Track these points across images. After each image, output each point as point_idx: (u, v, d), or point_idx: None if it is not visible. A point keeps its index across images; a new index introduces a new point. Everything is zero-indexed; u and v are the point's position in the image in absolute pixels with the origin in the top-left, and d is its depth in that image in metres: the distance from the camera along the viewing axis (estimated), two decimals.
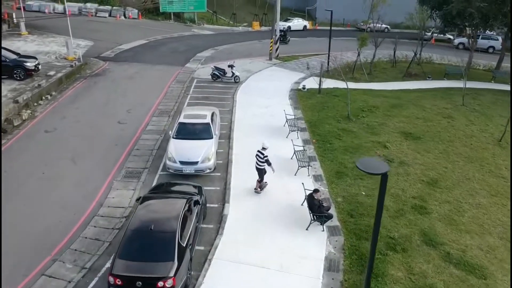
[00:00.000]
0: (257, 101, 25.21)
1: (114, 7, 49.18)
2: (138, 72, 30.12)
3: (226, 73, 28.84)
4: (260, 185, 15.68)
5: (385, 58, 38.69)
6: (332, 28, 59.74)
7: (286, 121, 21.17)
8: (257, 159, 15.45)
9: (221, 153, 18.65)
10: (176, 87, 27.38)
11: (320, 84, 27.10)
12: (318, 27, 58.12)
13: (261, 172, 15.52)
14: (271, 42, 35.21)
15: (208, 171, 16.73)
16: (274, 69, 33.12)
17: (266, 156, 15.32)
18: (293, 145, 18.29)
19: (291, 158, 18.17)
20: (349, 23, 61.36)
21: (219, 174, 17.20)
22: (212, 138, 17.54)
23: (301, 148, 18.27)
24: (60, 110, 22.76)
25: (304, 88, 27.90)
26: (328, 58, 33.03)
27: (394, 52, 35.63)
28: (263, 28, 53.18)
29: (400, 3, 61.62)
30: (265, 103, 24.61)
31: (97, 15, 47.97)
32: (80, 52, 31.94)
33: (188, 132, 17.74)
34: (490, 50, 47.94)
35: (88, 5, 48.08)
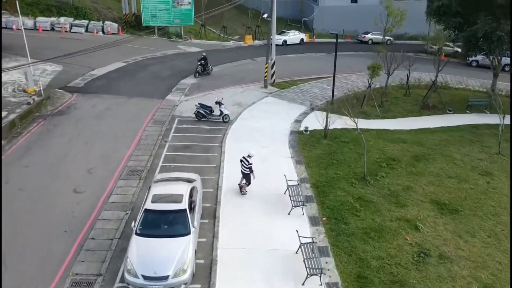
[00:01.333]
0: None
1: (92, 22, 44.33)
2: (109, 109, 25.41)
3: (213, 111, 24.21)
4: (242, 185, 16.80)
5: (395, 82, 34.19)
6: (331, 40, 56.01)
7: (288, 188, 16.56)
8: (242, 164, 16.60)
9: (202, 245, 14.00)
10: (152, 131, 22.69)
11: (326, 127, 22.48)
12: (316, 40, 53.70)
13: (248, 177, 16.63)
14: (266, 67, 30.56)
15: (182, 287, 12.06)
16: (270, 101, 28.53)
17: (251, 164, 16.37)
18: (299, 236, 13.65)
19: (296, 253, 13.59)
20: (348, 35, 56.94)
21: (197, 287, 12.53)
22: (189, 233, 12.87)
23: (309, 240, 13.62)
24: (4, 171, 17.96)
25: (306, 131, 23.34)
26: (333, 88, 28.46)
27: (408, 78, 31.10)
28: (257, 42, 48.69)
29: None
30: (260, 155, 19.96)
31: (72, 30, 43.16)
32: (45, 81, 27.21)
33: (157, 224, 13.12)
34: (507, 68, 43.64)
35: (62, 19, 43.17)
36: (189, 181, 15.27)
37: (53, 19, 43.18)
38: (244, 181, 16.75)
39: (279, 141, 22.20)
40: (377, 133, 24.05)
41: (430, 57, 49.73)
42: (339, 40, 58.35)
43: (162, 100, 27.22)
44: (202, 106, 24.11)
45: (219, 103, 24.11)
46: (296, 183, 16.95)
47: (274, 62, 31.36)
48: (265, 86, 30.88)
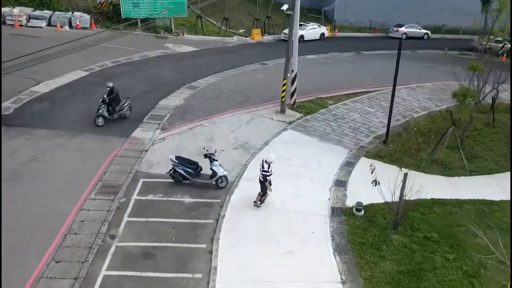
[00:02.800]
0: (264, 270, 11.00)
1: (56, 13, 34.40)
2: (37, 158, 15.88)
3: (201, 170, 14.50)
4: (261, 198, 13.52)
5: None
6: (357, 34, 45.78)
7: None
8: (260, 170, 13.25)
9: None
10: (93, 213, 13.11)
11: (398, 211, 12.68)
12: (338, 34, 43.57)
13: (263, 186, 13.33)
14: (284, 84, 20.65)
15: None
16: (291, 138, 18.76)
17: (266, 173, 13.06)
18: None
19: None
20: (377, 28, 46.71)
21: None
22: None
23: None
24: None
25: (359, 209, 13.57)
26: (390, 118, 18.58)
27: (494, 101, 21.03)
28: (266, 38, 38.71)
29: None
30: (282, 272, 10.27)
31: (30, 24, 33.26)
32: None
33: None
34: None
35: (16, 10, 33.21)
36: None
37: (5, 9, 33.16)
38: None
39: (313, 237, 12.56)
40: (478, 211, 14.26)
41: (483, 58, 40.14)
42: (365, 34, 48.87)
43: (125, 140, 17.48)
44: (181, 162, 14.37)
45: (210, 157, 14.34)
46: None
47: (295, 76, 21.41)
48: (282, 111, 21.03)
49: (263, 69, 28.49)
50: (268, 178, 13.28)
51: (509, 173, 17.23)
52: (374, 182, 12.39)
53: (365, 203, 14.05)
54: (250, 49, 34.14)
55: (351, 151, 18.06)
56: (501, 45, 40.23)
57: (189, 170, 14.27)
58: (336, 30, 44.27)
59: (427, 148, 18.56)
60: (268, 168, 13.12)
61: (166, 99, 21.77)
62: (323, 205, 14.07)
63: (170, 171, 14.50)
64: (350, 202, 14.27)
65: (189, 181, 14.44)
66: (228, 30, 38.48)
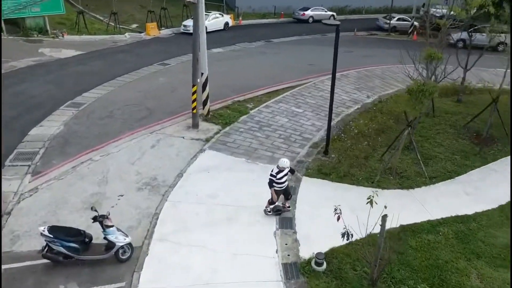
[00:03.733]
0: None
1: None
2: None
3: (90, 240, 9.84)
4: (274, 206, 11.63)
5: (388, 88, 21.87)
6: (262, 20, 42.46)
7: None
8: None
9: None
10: None
11: (376, 265, 9.20)
12: (243, 22, 39.95)
13: (285, 191, 11.61)
14: (194, 91, 16.35)
15: None
16: (212, 163, 14.65)
17: (273, 176, 11.19)
18: None
19: None
20: (282, 13, 43.85)
21: None
22: None
23: None
24: None
25: (321, 264, 10.11)
26: (329, 125, 15.17)
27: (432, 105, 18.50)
28: (164, 32, 33.83)
29: None
30: None
31: None
32: None
33: None
34: (500, 47, 33.27)
35: None
36: None
37: None
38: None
39: None
40: (458, 234, 11.42)
41: (386, 36, 38.89)
42: (270, 20, 45.28)
43: None
44: (58, 235, 9.58)
45: (101, 222, 9.73)
46: None
47: (207, 79, 17.19)
48: (195, 125, 16.78)
49: (165, 71, 23.82)
50: (276, 185, 11.27)
51: (470, 173, 14.76)
52: (345, 235, 8.71)
53: (324, 248, 10.48)
54: (147, 47, 29.11)
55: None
56: (409, 23, 39.33)
57: (72, 245, 9.56)
58: (240, 18, 40.58)
59: (375, 153, 15.50)
60: (277, 174, 11.15)
61: (40, 127, 16.41)
62: (272, 264, 10.21)
63: (43, 249, 9.67)
64: (305, 252, 10.59)
65: (73, 259, 9.72)
66: (118, 26, 32.97)
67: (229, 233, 11.10)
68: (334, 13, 44.42)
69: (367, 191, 12.64)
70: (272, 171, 11.35)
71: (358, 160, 14.89)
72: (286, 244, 10.90)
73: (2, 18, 27.58)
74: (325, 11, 43.68)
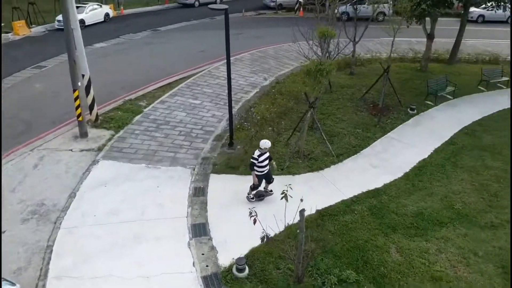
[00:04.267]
0: None
1: None
2: None
3: None
4: (257, 192, 11.47)
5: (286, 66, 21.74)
6: (146, 8, 40.14)
7: None
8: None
9: None
10: None
11: (300, 262, 8.71)
12: (125, 11, 37.46)
13: (267, 175, 11.29)
14: (76, 98, 14.51)
15: None
16: (108, 177, 13.15)
17: (255, 159, 10.95)
18: None
19: None
20: None
21: None
22: None
23: None
24: None
25: (242, 270, 9.49)
26: (231, 113, 14.43)
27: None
28: (35, 30, 30.37)
29: None
30: None
31: None
32: None
33: None
34: (480, 19, 35.24)
35: None
36: None
37: None
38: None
39: None
40: (371, 210, 11.45)
41: (274, 15, 38.92)
42: (153, 8, 42.79)
43: None
44: None
45: None
46: None
47: (89, 81, 15.37)
48: (84, 134, 15.02)
49: (41, 75, 21.21)
50: (257, 168, 11.00)
51: (373, 145, 15.02)
52: (264, 239, 8.05)
53: (244, 251, 9.80)
54: (17, 49, 25.76)
55: (194, 169, 13.38)
56: (294, 0, 39.69)
57: None
58: (122, 8, 37.90)
59: (280, 138, 15.10)
60: (259, 156, 10.91)
61: None
62: (191, 280, 9.28)
63: None
64: (225, 259, 9.80)
65: None
66: None
67: (138, 254, 9.90)
68: None
69: (279, 179, 12.23)
70: (253, 154, 11.07)
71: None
72: (203, 254, 10.00)
73: None
74: None
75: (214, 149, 14.68)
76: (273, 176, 11.79)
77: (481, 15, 35.18)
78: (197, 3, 41.24)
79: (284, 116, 16.75)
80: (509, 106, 18.14)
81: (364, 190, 12.41)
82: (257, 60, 23.53)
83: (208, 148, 14.75)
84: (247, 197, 11.67)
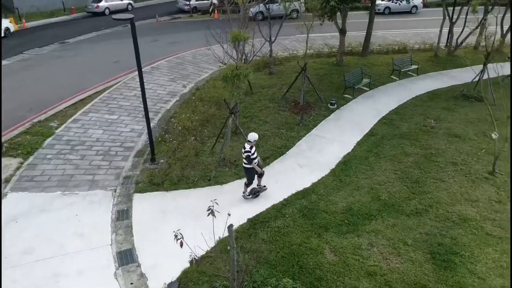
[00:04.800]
0: None
1: None
2: None
3: None
4: (252, 189, 11.73)
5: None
6: (52, 20, 37.71)
7: None
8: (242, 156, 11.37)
9: None
10: None
11: (235, 278, 8.36)
12: (27, 25, 35.03)
13: (250, 173, 11.43)
14: None
15: None
16: (19, 211, 11.96)
17: (248, 152, 11.10)
18: None
19: None
20: (73, 8, 39.86)
21: None
22: None
23: None
24: None
25: None
26: (150, 133, 13.78)
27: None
28: None
29: None
30: None
31: None
32: None
33: None
34: (386, 11, 36.55)
35: None
36: None
37: None
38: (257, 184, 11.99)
39: None
40: (302, 211, 11.42)
41: (189, 18, 38.17)
42: (59, 19, 40.06)
43: None
44: None
45: None
46: None
47: None
48: None
49: None
50: (254, 160, 11.23)
51: (298, 144, 15.04)
52: (193, 262, 7.59)
53: (175, 274, 9.27)
54: None
55: (115, 191, 12.57)
56: (209, 1, 39.31)
57: None
58: (24, 21, 35.25)
59: (205, 147, 14.66)
60: (251, 148, 11.16)
61: None
62: None
63: None
64: (156, 285, 9.18)
65: None
66: None
67: None
68: (131, 1, 42.06)
69: (206, 191, 11.84)
70: (244, 148, 11.22)
71: (189, 159, 13.83)
72: (131, 284, 9.33)
73: None
74: (121, 0, 41.03)
75: (136, 166, 13.91)
76: (202, 188, 11.36)
77: (387, 7, 37.00)
78: (107, 11, 39.46)
79: (206, 123, 16.31)
80: (418, 94, 19.06)
81: (294, 192, 12.32)
82: (175, 67, 22.84)
83: (129, 165, 13.95)
84: (243, 196, 11.84)
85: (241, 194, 12.10)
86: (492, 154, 13.83)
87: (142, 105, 17.33)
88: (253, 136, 11.26)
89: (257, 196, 11.91)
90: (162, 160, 13.97)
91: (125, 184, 12.90)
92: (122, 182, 13.00)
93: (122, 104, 18.31)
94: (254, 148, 11.31)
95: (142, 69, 12.82)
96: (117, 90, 19.71)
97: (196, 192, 12.37)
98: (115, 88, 19.99)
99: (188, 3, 39.39)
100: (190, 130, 15.61)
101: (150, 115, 17.14)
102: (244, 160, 11.46)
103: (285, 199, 12.00)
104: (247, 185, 11.79)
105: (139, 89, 19.29)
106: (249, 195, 11.86)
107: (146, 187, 12.69)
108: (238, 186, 12.65)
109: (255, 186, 11.91)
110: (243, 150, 11.33)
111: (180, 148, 14.43)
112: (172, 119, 16.59)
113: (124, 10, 40.88)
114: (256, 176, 11.73)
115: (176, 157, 13.95)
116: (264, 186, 12.10)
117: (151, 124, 16.35)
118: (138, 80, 20.16)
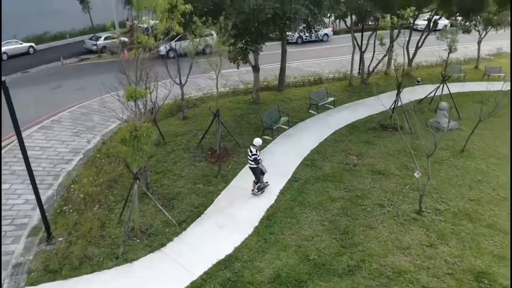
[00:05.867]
0: None
1: None
2: None
3: None
4: (258, 186, 13.46)
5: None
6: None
7: None
8: (248, 158, 13.35)
9: None
10: None
11: None
12: None
13: (255, 172, 13.34)
14: None
15: None
16: None
17: (255, 155, 13.05)
18: None
19: None
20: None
21: None
22: None
23: None
24: None
25: None
26: (41, 206, 11.78)
27: (155, 120, 16.83)
28: None
29: None
30: None
31: None
32: None
33: None
34: (299, 41, 36.38)
35: None
36: None
37: None
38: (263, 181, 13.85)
39: None
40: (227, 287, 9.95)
41: (98, 59, 35.59)
42: None
43: None
44: None
45: None
46: None
47: None
48: None
49: None
50: (260, 160, 13.12)
51: (217, 200, 13.74)
52: None
53: None
54: None
55: (1, 286, 10.42)
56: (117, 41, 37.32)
57: None
58: None
59: (112, 215, 12.93)
60: (256, 151, 13.00)
61: None
62: None
63: None
64: None
65: None
66: None
67: None
68: (33, 44, 39.10)
69: (113, 275, 10.12)
70: (250, 152, 13.03)
71: (93, 233, 12.01)
72: None
73: None
74: (21, 43, 37.96)
75: (29, 249, 11.82)
76: (109, 270, 9.65)
77: (300, 37, 37.45)
78: (5, 55, 36.15)
79: (114, 184, 14.56)
80: (338, 128, 18.69)
81: (215, 262, 10.96)
82: (79, 118, 20.76)
83: (21, 249, 11.84)
84: (253, 193, 13.51)
85: (153, 271, 10.50)
86: (416, 190, 13.45)
87: (39, 168, 15.40)
88: (258, 141, 13.20)
89: (263, 191, 13.61)
90: (60, 238, 11.99)
91: (15, 275, 10.82)
92: (10, 273, 10.88)
93: (15, 169, 15.98)
94: (259, 152, 13.15)
95: (41, 123, 10.91)
96: (10, 152, 17.29)
97: (102, 276, 10.59)
98: (8, 149, 17.55)
99: (95, 43, 37.21)
100: (94, 196, 13.75)
101: (49, 179, 15.31)
102: (250, 162, 13.13)
103: (205, 273, 10.59)
104: (256, 183, 13.37)
105: (37, 148, 17.30)
106: (258, 191, 13.48)
107: (41, 277, 10.68)
108: (150, 261, 11.09)
109: (260, 183, 13.49)
110: (250, 154, 13.02)
111: (82, 221, 12.54)
112: (73, 186, 14.55)
113: (26, 53, 37.88)
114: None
115: (78, 231, 12.05)
116: (267, 182, 13.83)
117: (49, 193, 14.46)
118: (36, 137, 18.15)
